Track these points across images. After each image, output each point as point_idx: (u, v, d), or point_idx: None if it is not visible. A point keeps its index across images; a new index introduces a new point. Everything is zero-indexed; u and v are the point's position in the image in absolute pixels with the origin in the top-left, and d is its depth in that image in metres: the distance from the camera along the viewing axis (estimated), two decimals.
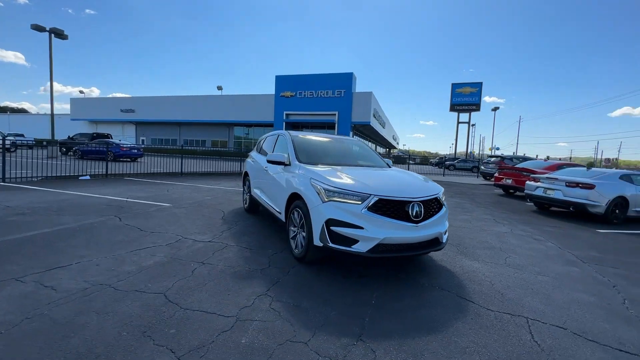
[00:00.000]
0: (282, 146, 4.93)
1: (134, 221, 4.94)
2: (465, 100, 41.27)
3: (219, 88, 42.95)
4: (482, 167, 19.83)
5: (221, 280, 3.01)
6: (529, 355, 2.15)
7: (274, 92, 34.04)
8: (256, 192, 5.40)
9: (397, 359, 2.03)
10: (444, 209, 3.54)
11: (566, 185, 7.53)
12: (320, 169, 3.79)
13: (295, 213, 3.69)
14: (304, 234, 3.50)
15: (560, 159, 31.02)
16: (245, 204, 6.23)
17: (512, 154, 40.33)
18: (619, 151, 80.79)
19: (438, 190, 3.62)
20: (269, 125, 36.26)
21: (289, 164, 4.20)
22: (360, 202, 3.11)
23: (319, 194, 3.28)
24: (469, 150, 49.93)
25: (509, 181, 11.51)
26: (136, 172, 11.78)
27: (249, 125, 38.38)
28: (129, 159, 16.72)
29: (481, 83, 40.65)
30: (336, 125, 32.11)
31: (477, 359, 2.08)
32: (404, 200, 3.18)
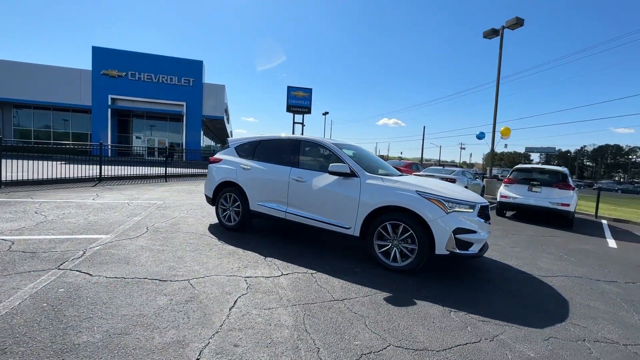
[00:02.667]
0: (316, 155, 4.53)
1: (116, 271, 3.10)
2: (299, 103, 46.21)
3: None
4: None
5: (392, 313, 2.70)
6: (615, 296, 3.44)
7: (90, 68, 25.93)
8: (271, 206, 4.57)
9: (599, 331, 2.76)
10: None
11: None
12: (414, 180, 3.93)
13: (389, 226, 3.66)
14: (408, 246, 3.57)
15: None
16: (230, 221, 5.05)
17: None
18: (388, 150, 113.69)
19: None
20: (82, 111, 27.36)
21: (356, 176, 3.98)
22: (472, 210, 3.58)
23: (438, 206, 3.46)
24: None
25: None
26: None
27: (46, 108, 27.38)
28: None
29: (311, 89, 46.79)
30: (184, 117, 28.39)
31: (615, 310, 3.13)
32: (487, 205, 3.91)
